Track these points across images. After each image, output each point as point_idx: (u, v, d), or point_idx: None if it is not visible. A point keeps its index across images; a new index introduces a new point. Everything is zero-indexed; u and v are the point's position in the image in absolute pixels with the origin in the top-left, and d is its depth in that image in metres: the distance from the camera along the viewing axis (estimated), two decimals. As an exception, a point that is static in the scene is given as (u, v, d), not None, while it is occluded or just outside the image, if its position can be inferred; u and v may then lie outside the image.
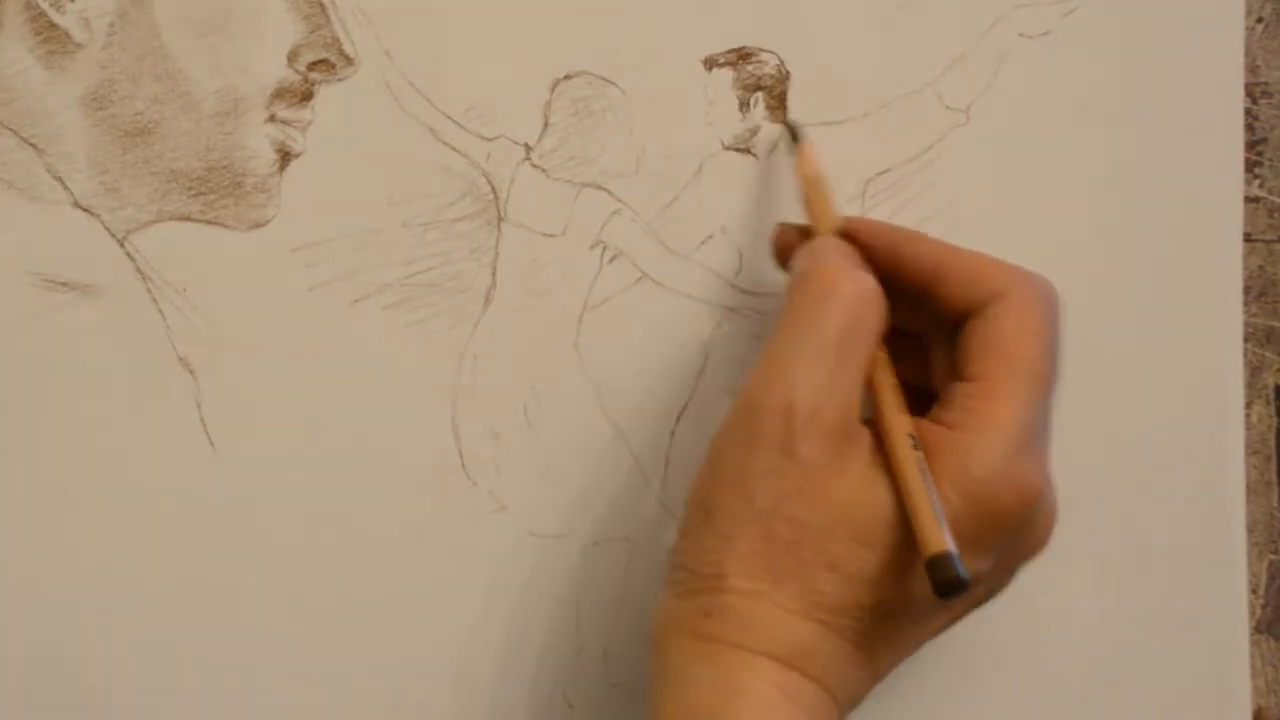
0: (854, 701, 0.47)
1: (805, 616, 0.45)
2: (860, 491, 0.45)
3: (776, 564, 0.45)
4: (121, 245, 0.50)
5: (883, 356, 0.47)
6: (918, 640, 0.47)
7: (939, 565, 0.43)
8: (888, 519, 0.45)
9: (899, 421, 0.46)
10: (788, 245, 0.50)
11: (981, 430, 0.45)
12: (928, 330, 0.50)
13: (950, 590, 0.43)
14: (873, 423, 0.47)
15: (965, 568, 0.43)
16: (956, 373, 0.47)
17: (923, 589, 0.44)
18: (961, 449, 0.45)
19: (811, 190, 0.51)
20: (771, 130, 0.53)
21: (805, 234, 0.50)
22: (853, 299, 0.46)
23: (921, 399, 0.48)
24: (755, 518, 0.45)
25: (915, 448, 0.45)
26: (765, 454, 0.45)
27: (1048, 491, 0.47)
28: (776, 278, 0.53)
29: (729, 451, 0.46)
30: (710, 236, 0.53)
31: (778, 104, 0.53)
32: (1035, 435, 0.46)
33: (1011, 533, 0.46)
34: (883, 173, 0.54)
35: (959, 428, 0.46)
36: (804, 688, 0.45)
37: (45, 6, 0.49)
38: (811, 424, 0.45)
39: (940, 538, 0.43)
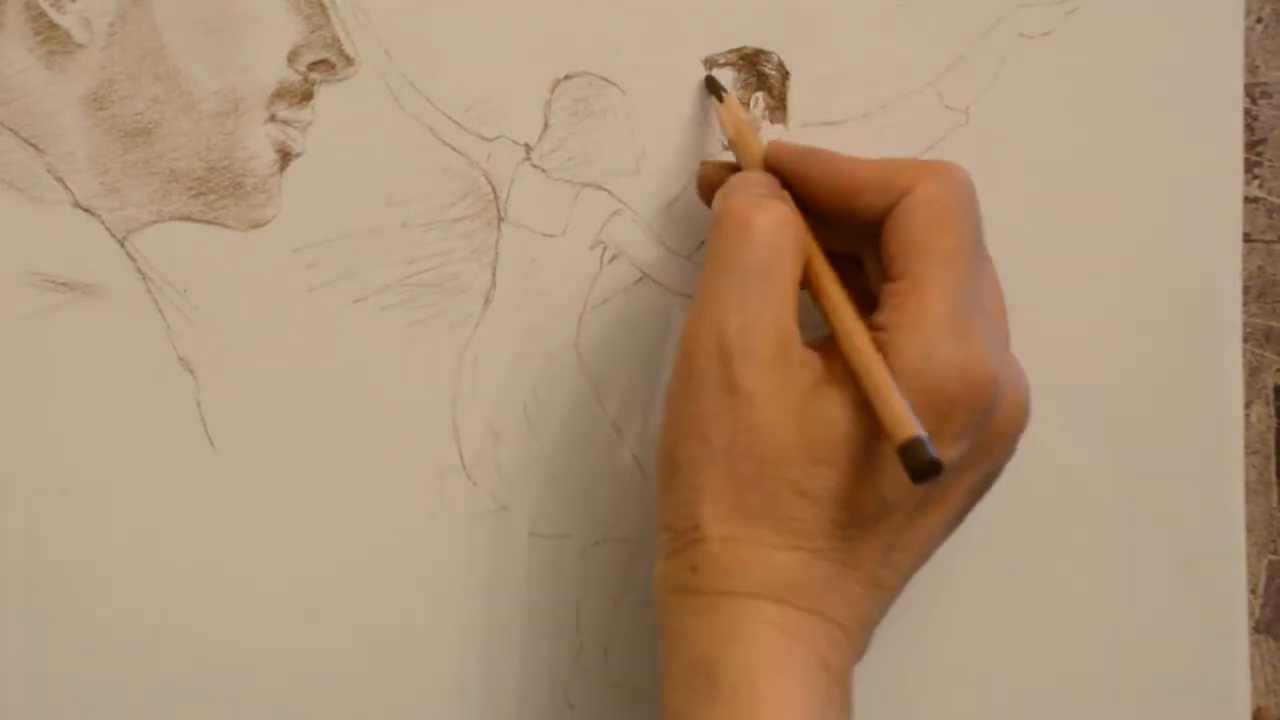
0: (866, 622, 0.47)
1: (786, 548, 0.45)
2: (810, 412, 0.45)
3: (745, 502, 0.45)
4: (121, 245, 0.50)
5: (824, 267, 0.47)
6: (915, 543, 0.47)
7: (910, 451, 0.42)
8: (844, 433, 0.45)
9: (850, 323, 0.46)
10: (711, 182, 0.51)
11: (912, 324, 0.45)
12: (867, 250, 0.50)
13: (926, 473, 0.42)
14: (820, 344, 0.47)
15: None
16: (884, 275, 0.47)
17: (894, 491, 0.45)
18: (897, 345, 0.45)
19: (738, 139, 0.51)
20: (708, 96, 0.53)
21: (728, 170, 0.51)
22: (766, 229, 0.46)
23: None
24: (715, 460, 0.45)
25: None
26: (710, 396, 0.45)
27: (1002, 370, 0.46)
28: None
29: (679, 401, 0.46)
30: (710, 236, 0.53)
31: (778, 104, 0.53)
32: (969, 319, 0.46)
33: (975, 417, 0.45)
34: (883, 173, 0.54)
35: (892, 326, 0.45)
36: (800, 620, 0.45)
37: (45, 6, 0.49)
38: (748, 357, 0.45)
39: (907, 423, 0.43)
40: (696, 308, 0.46)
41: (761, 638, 0.44)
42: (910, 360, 0.45)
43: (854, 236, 0.49)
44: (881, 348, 0.45)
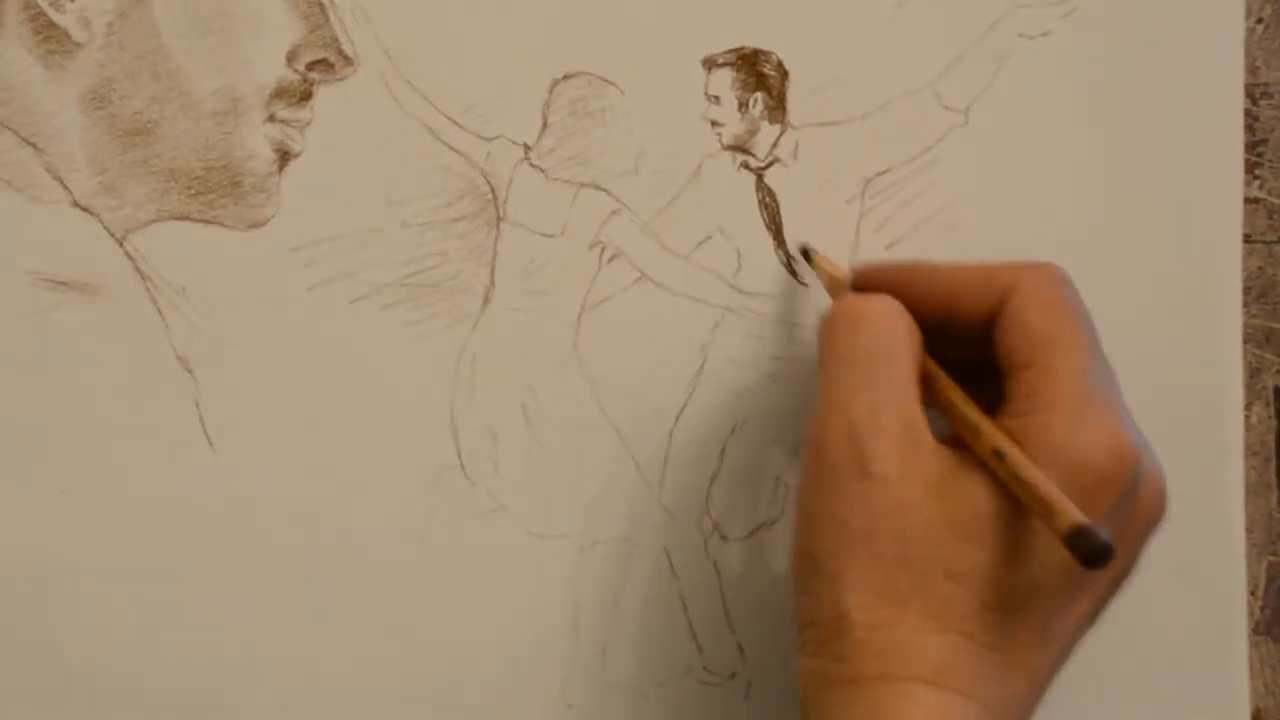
0: (1018, 713, 0.46)
1: (938, 631, 0.44)
2: (951, 491, 0.44)
3: (893, 586, 0.44)
4: (121, 245, 0.50)
5: (938, 371, 0.48)
6: (1065, 632, 0.46)
7: (1079, 539, 0.41)
8: (988, 513, 0.44)
9: (981, 419, 0.45)
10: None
11: (1051, 407, 0.45)
12: (965, 355, 0.50)
13: (1098, 559, 0.41)
14: (947, 440, 0.46)
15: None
16: (1006, 370, 0.47)
17: (1045, 574, 0.44)
18: (1041, 429, 0.45)
19: (833, 286, 0.52)
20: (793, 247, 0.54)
21: None
22: (877, 317, 0.47)
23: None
24: (856, 546, 0.44)
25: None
26: (845, 483, 0.45)
27: (1145, 453, 0.46)
28: (776, 277, 0.53)
29: (812, 497, 0.46)
30: (709, 236, 0.54)
31: (777, 104, 0.53)
32: (1106, 396, 0.46)
33: (1120, 499, 0.45)
34: (882, 173, 0.54)
35: (1031, 412, 0.45)
36: (955, 703, 0.44)
37: (45, 6, 0.49)
38: (878, 441, 0.45)
39: (1071, 512, 0.42)
40: (820, 403, 0.46)
41: None
42: (1053, 440, 0.44)
43: (949, 344, 0.49)
44: (1025, 432, 0.45)
